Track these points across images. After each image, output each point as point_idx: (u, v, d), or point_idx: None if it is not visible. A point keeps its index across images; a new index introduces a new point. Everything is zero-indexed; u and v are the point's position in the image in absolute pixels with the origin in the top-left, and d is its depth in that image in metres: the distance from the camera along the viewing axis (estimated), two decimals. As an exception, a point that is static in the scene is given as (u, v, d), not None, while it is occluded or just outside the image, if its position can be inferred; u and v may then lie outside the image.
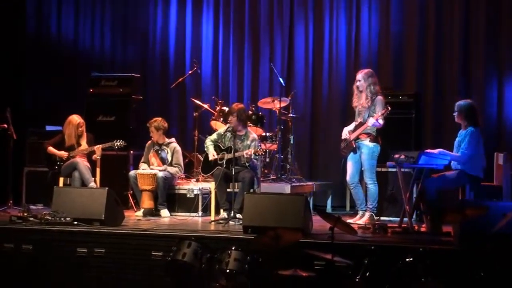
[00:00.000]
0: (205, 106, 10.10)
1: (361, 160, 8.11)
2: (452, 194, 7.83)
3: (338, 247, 5.99)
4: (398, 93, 9.37)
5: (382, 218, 8.56)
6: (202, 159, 8.91)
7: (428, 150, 7.63)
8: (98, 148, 8.90)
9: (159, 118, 9.10)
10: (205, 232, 7.22)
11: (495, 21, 9.85)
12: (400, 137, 8.95)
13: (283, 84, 10.19)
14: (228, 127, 8.53)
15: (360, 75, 8.14)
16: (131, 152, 9.72)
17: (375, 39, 10.54)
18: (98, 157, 8.95)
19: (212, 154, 8.47)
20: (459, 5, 10.03)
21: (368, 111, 8.03)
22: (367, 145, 8.05)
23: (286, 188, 8.97)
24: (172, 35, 11.61)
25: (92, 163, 9.07)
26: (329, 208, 10.18)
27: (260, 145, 8.82)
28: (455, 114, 7.60)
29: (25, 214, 7.68)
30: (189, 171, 9.90)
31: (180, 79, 10.40)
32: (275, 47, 11.06)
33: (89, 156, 9.11)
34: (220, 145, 8.61)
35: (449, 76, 10.08)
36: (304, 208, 6.99)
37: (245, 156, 8.24)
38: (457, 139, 7.62)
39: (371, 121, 7.87)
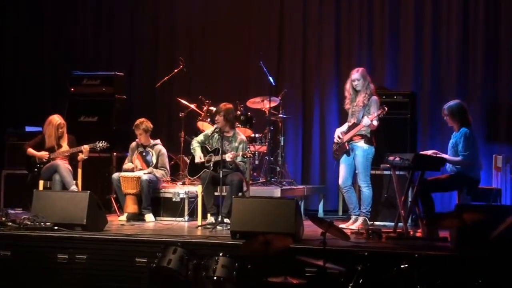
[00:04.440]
0: (192, 106, 10.00)
1: (354, 163, 8.03)
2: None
3: (330, 253, 5.91)
4: (393, 93, 9.26)
5: (376, 223, 8.49)
6: (188, 161, 8.82)
7: (423, 152, 7.46)
8: (86, 148, 8.82)
9: (144, 119, 8.99)
10: (191, 238, 7.13)
11: (493, 19, 9.80)
12: (394, 138, 8.85)
13: (273, 84, 10.01)
14: (216, 128, 8.39)
15: (357, 74, 8.02)
16: (114, 154, 9.67)
17: (369, 37, 10.45)
18: (85, 157, 8.88)
19: (199, 157, 8.35)
20: (457, 3, 9.98)
21: (363, 111, 7.93)
22: (361, 147, 7.97)
23: (276, 192, 8.92)
24: (158, 32, 11.52)
25: (74, 166, 8.95)
26: (321, 213, 10.08)
27: (249, 147, 8.70)
28: (446, 117, 7.50)
29: (4, 218, 7.58)
30: (175, 174, 9.80)
31: (166, 78, 10.29)
32: (264, 45, 10.94)
33: (70, 158, 8.98)
34: (207, 147, 8.49)
35: (446, 75, 10.02)
36: (295, 213, 6.90)
37: (228, 159, 8.10)
38: (451, 141, 7.52)
39: (366, 121, 7.77)
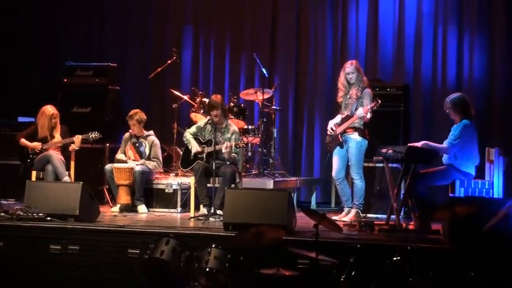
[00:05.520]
0: (185, 97, 9.99)
1: (347, 155, 8.01)
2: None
3: (322, 245, 5.88)
4: (387, 85, 9.25)
5: (368, 215, 8.47)
6: (181, 152, 8.80)
7: (412, 144, 7.44)
8: (77, 138, 8.77)
9: (138, 110, 8.98)
10: (184, 229, 7.11)
11: (487, 11, 9.77)
12: (388, 131, 8.85)
13: (266, 75, 9.99)
14: (209, 120, 8.34)
15: (351, 67, 7.99)
16: (107, 145, 9.67)
17: (362, 29, 10.43)
18: (76, 148, 8.85)
19: (196, 148, 8.28)
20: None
21: (356, 103, 7.92)
22: (355, 139, 7.96)
23: (269, 184, 8.89)
24: (151, 23, 11.47)
25: (67, 156, 8.92)
26: (313, 205, 10.11)
27: (242, 138, 8.68)
28: (449, 110, 7.44)
29: (-4, 209, 7.57)
30: (167, 165, 9.80)
31: (159, 69, 10.26)
32: (258, 36, 10.93)
33: (63, 149, 8.95)
34: (200, 138, 8.44)
35: (440, 67, 9.97)
36: (287, 205, 6.89)
37: (223, 151, 8.03)
38: (450, 133, 7.45)
39: (360, 113, 7.76)
